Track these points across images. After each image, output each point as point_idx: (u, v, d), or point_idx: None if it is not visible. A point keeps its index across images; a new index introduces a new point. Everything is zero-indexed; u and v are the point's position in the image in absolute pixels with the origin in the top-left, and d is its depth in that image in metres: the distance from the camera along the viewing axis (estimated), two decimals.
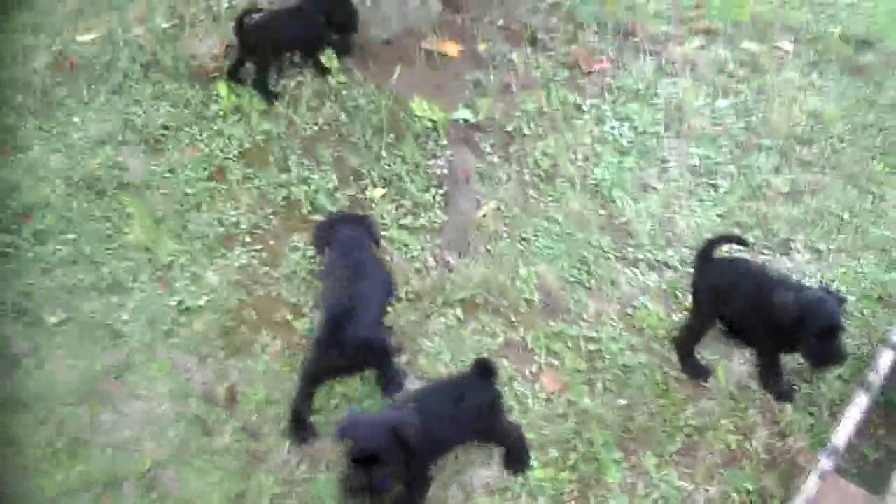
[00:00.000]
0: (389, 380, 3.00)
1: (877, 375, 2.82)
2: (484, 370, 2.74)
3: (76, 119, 4.26)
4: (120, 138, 4.15)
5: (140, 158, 4.00)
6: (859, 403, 2.71)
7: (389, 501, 2.55)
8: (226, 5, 4.80)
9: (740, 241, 3.13)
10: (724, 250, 3.19)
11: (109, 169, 3.97)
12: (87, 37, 4.74)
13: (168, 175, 3.89)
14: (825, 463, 2.52)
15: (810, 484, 2.48)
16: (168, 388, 3.10)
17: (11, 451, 2.93)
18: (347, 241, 3.14)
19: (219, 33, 4.61)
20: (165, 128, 4.15)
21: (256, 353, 3.17)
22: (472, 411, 2.62)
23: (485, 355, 2.96)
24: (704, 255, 2.99)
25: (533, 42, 4.45)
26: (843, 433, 2.59)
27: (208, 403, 3.03)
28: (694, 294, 3.05)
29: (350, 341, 2.80)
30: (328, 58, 4.09)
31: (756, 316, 2.84)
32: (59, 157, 4.04)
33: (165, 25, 4.72)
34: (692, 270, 3.15)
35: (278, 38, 4.04)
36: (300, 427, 2.90)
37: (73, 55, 4.59)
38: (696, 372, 3.02)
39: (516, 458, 2.78)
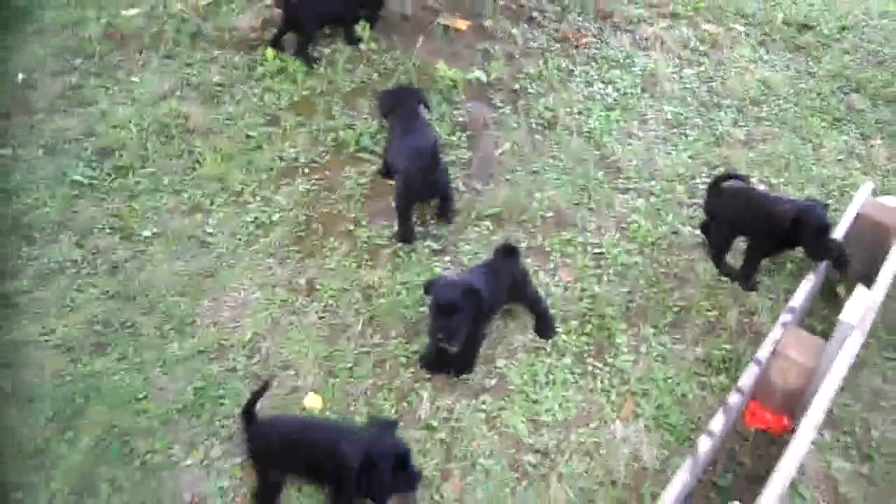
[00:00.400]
0: (447, 208, 3.86)
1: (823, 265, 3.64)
2: (507, 251, 3.47)
3: (135, 79, 4.87)
4: (179, 94, 4.75)
5: (201, 109, 4.64)
6: (810, 280, 3.52)
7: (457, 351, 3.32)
8: None
9: (738, 177, 3.84)
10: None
11: (175, 118, 4.58)
12: (132, 11, 5.37)
13: (228, 122, 4.54)
14: (786, 317, 3.33)
15: (776, 331, 3.28)
16: (256, 282, 3.77)
17: (126, 332, 3.56)
18: (409, 106, 3.93)
19: (253, 9, 5.33)
20: (219, 85, 4.79)
21: (327, 255, 3.84)
22: (507, 279, 3.36)
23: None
24: (715, 188, 3.76)
25: (529, 20, 5.23)
26: (799, 297, 3.40)
27: (292, 292, 3.72)
28: (711, 217, 3.81)
29: (439, 172, 3.69)
30: (362, 27, 4.84)
31: (763, 224, 3.62)
32: (126, 109, 4.63)
33: (204, 2, 5.38)
34: (701, 200, 3.95)
35: (320, 12, 4.78)
36: (407, 235, 3.74)
37: (120, 28, 5.22)
38: (730, 273, 3.77)
39: (545, 326, 3.51)
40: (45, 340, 3.42)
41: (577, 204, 4.11)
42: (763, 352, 3.11)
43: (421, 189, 3.75)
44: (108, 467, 3.00)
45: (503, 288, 3.37)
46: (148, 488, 2.93)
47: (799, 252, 3.59)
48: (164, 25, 5.21)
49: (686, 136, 4.53)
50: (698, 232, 3.88)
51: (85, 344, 3.40)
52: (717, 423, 2.88)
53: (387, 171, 4.10)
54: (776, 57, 5.15)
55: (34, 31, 5.25)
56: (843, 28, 5.58)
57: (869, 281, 3.23)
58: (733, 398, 2.94)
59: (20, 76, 4.85)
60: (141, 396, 3.21)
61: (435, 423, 3.17)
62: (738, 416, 3.07)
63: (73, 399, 3.21)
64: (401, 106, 3.97)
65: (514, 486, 2.98)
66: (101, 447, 3.06)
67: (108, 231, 3.94)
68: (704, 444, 2.86)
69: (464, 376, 3.30)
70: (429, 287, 3.26)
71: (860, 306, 2.96)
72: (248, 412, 2.77)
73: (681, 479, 2.68)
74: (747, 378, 3.01)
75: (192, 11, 5.25)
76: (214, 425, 3.11)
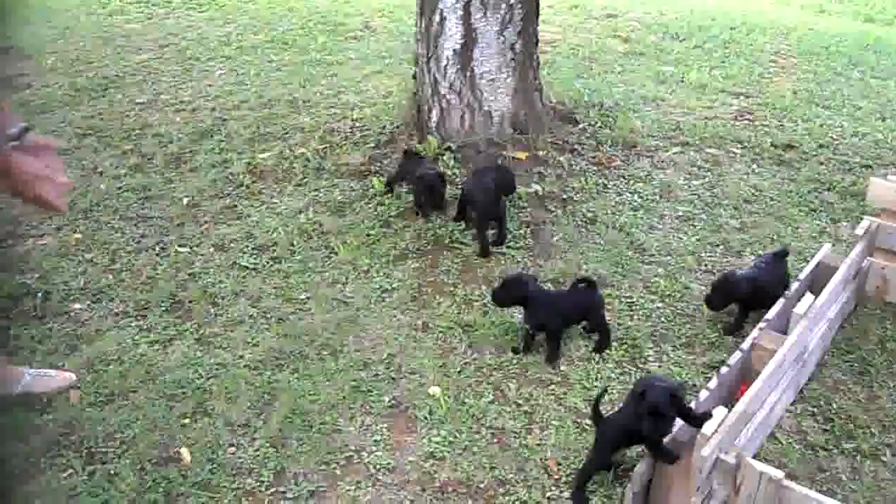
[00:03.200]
0: (501, 233, 5.67)
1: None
2: (589, 282, 4.78)
3: (276, 201, 6.48)
4: (312, 209, 6.21)
5: (330, 219, 6.09)
6: (780, 302, 5.03)
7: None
8: (358, 135, 7.27)
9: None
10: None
11: (311, 224, 6.06)
12: (265, 154, 6.93)
13: (353, 226, 6.01)
14: (762, 324, 4.81)
15: (755, 332, 4.77)
16: (386, 325, 4.96)
17: (296, 357, 4.99)
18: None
19: (360, 149, 7.03)
20: (342, 202, 6.30)
21: (435, 307, 5.05)
22: (583, 304, 4.77)
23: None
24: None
25: (572, 151, 6.80)
26: (771, 313, 4.90)
27: (413, 329, 4.94)
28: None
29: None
30: None
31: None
32: (273, 220, 6.05)
33: (320, 147, 7.08)
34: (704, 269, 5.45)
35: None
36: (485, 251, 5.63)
37: (259, 166, 6.92)
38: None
39: (603, 343, 4.81)
40: (238, 363, 4.76)
41: (614, 273, 5.42)
42: (745, 345, 4.55)
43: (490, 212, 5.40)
44: (296, 432, 4.28)
45: (581, 309, 4.78)
46: (323, 444, 4.25)
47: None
48: (293, 164, 6.76)
49: (694, 226, 5.95)
50: (704, 289, 5.29)
51: (267, 364, 4.67)
52: (713, 383, 4.33)
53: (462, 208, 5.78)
54: (765, 170, 6.68)
55: (189, 168, 6.87)
56: (820, 146, 7.12)
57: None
58: (723, 369, 4.38)
59: (185, 199, 6.40)
60: (311, 393, 4.61)
61: (520, 402, 4.60)
62: (728, 390, 4.19)
63: (263, 396, 4.46)
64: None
65: (576, 436, 4.39)
66: (288, 422, 4.33)
67: (273, 297, 5.28)
68: (704, 395, 4.28)
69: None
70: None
71: (806, 303, 4.47)
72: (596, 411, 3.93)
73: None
74: (733, 360, 4.46)
75: (312, 154, 6.87)
76: (366, 408, 4.45)
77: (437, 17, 6.36)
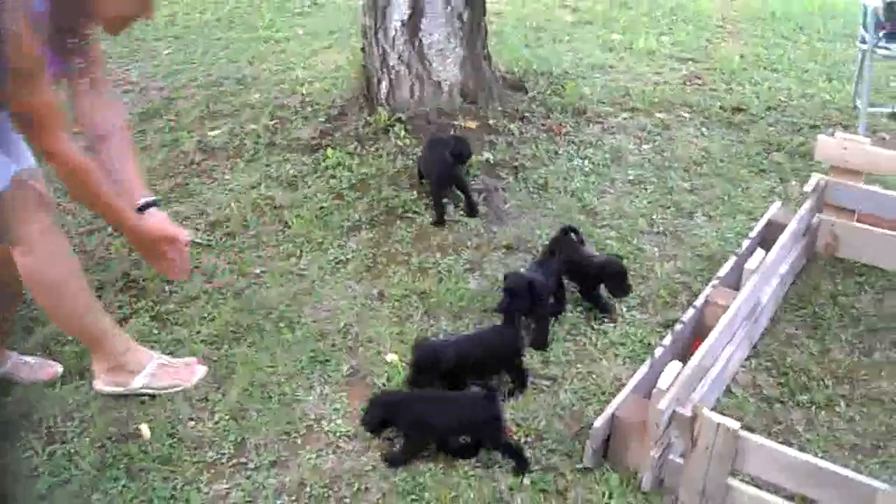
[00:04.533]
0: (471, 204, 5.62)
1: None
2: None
3: (227, 177, 6.47)
4: (264, 184, 6.22)
5: (283, 192, 6.07)
6: (729, 262, 5.08)
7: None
8: (309, 110, 7.26)
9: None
10: None
11: (264, 199, 6.07)
12: (215, 132, 6.90)
13: (305, 199, 5.99)
14: (714, 282, 4.87)
15: (707, 289, 4.83)
16: (342, 295, 5.01)
17: (253, 330, 5.02)
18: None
19: (311, 124, 7.05)
20: (294, 176, 6.27)
21: (390, 276, 5.09)
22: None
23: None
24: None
25: (523, 118, 6.84)
26: (723, 271, 4.96)
27: (368, 299, 4.94)
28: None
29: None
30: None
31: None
32: (226, 196, 6.10)
33: (270, 123, 7.08)
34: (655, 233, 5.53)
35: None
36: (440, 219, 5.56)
37: (208, 143, 6.92)
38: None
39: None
40: (195, 338, 4.68)
41: None
42: (698, 302, 4.61)
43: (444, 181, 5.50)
44: (255, 403, 4.24)
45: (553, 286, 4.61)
46: (282, 414, 4.21)
47: None
48: (243, 140, 6.75)
49: (645, 189, 6.00)
50: (657, 250, 5.38)
51: (224, 339, 4.61)
52: (667, 340, 4.36)
53: (420, 177, 5.76)
54: (714, 132, 6.73)
55: (140, 148, 6.76)
56: (769, 108, 7.21)
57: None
58: (677, 326, 4.42)
59: None
60: (270, 365, 4.54)
61: None
62: (683, 346, 4.21)
63: (222, 369, 4.44)
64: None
65: (533, 398, 4.34)
66: (247, 394, 4.28)
67: (227, 272, 5.26)
68: (659, 351, 4.33)
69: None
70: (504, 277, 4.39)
71: (757, 259, 4.53)
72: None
73: (637, 376, 3.87)
74: (686, 316, 4.51)
75: (263, 130, 6.85)
76: (325, 377, 4.42)
77: None
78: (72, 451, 4.07)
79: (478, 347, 4.16)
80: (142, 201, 3.80)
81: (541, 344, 4.44)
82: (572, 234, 4.84)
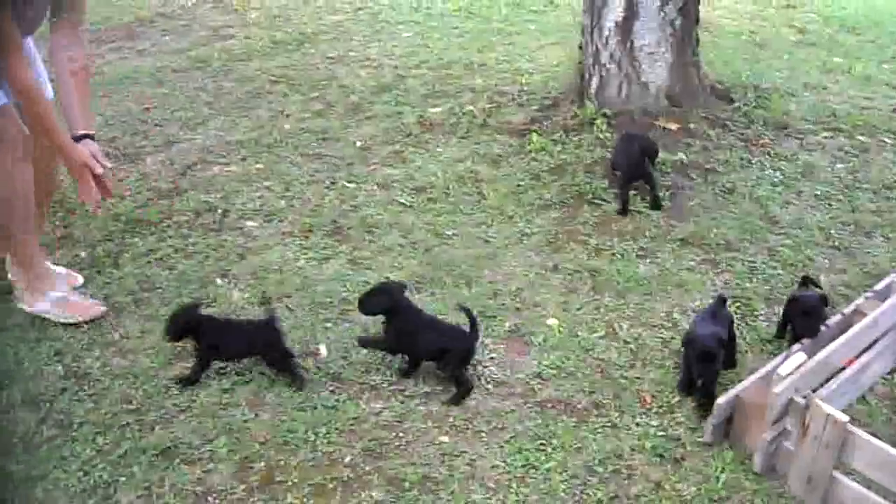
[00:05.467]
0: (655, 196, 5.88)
1: None
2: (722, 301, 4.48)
3: (439, 150, 6.99)
4: (471, 160, 6.77)
5: (486, 169, 6.55)
6: None
7: None
8: (525, 98, 7.77)
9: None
10: None
11: (468, 173, 6.58)
12: (436, 109, 7.49)
13: (505, 176, 6.50)
14: (869, 294, 5.03)
15: (860, 300, 5.01)
16: (520, 263, 5.49)
17: (436, 283, 5.50)
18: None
19: (524, 110, 7.55)
20: (499, 155, 6.80)
21: (567, 253, 5.57)
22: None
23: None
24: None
25: (722, 126, 7.04)
26: (881, 284, 5.12)
27: (543, 269, 5.51)
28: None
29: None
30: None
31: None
32: (434, 166, 6.56)
33: (487, 106, 7.63)
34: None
35: None
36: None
37: (429, 119, 7.52)
38: None
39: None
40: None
41: (742, 239, 5.62)
42: (847, 309, 4.60)
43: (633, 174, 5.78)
44: None
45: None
46: None
47: None
48: (460, 119, 7.30)
49: (830, 205, 6.08)
50: (827, 262, 5.52)
51: (410, 287, 5.14)
52: (807, 340, 4.60)
53: (612, 168, 6.06)
54: None
55: (366, 117, 7.56)
56: None
57: None
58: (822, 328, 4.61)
59: (358, 143, 7.05)
60: (443, 313, 4.85)
61: (629, 340, 4.87)
62: (824, 345, 4.17)
63: None
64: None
65: (674, 376, 4.71)
66: None
67: (423, 231, 5.79)
68: (797, 347, 4.45)
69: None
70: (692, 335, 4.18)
71: None
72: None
73: (769, 365, 4.16)
74: (833, 321, 4.59)
75: (479, 112, 7.42)
76: (489, 330, 4.90)
77: None
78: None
79: None
80: (80, 133, 4.38)
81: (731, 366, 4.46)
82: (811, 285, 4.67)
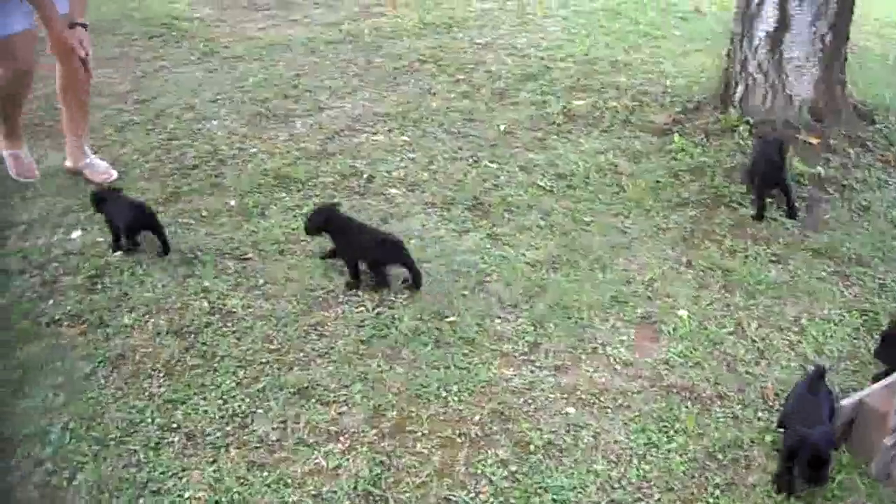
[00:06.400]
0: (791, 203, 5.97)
1: None
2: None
3: (581, 140, 7.07)
4: (612, 153, 6.91)
5: (626, 163, 6.58)
6: None
7: None
8: (668, 99, 7.95)
9: None
10: None
11: (608, 165, 6.76)
12: (580, 102, 7.66)
13: (645, 173, 6.63)
14: None
15: None
16: (654, 255, 5.73)
17: (571, 264, 5.72)
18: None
19: (667, 111, 7.74)
20: (639, 152, 6.83)
21: (701, 250, 5.76)
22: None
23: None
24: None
25: (862, 146, 7.04)
26: None
27: (676, 263, 5.75)
28: None
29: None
30: None
31: None
32: (576, 156, 6.67)
33: (630, 103, 7.73)
34: None
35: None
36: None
37: (572, 110, 7.73)
38: None
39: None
40: (519, 258, 5.50)
41: (873, 256, 5.59)
42: None
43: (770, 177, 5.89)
44: (555, 319, 4.97)
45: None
46: (575, 332, 4.93)
47: None
48: (603, 113, 7.48)
49: None
50: None
51: (544, 265, 5.32)
52: None
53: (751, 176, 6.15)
54: None
55: (510, 102, 7.83)
56: None
57: None
58: None
59: (502, 126, 7.28)
60: (576, 294, 5.17)
61: (756, 340, 4.95)
62: None
63: (534, 288, 5.20)
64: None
65: (800, 377, 4.85)
66: (550, 310, 5.06)
67: (561, 215, 5.99)
68: None
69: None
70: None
71: None
72: None
73: None
74: None
75: (622, 108, 7.60)
76: (621, 314, 5.11)
77: (755, 0, 6.90)
78: (395, 315, 5.01)
79: None
80: (77, 20, 5.29)
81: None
82: None
